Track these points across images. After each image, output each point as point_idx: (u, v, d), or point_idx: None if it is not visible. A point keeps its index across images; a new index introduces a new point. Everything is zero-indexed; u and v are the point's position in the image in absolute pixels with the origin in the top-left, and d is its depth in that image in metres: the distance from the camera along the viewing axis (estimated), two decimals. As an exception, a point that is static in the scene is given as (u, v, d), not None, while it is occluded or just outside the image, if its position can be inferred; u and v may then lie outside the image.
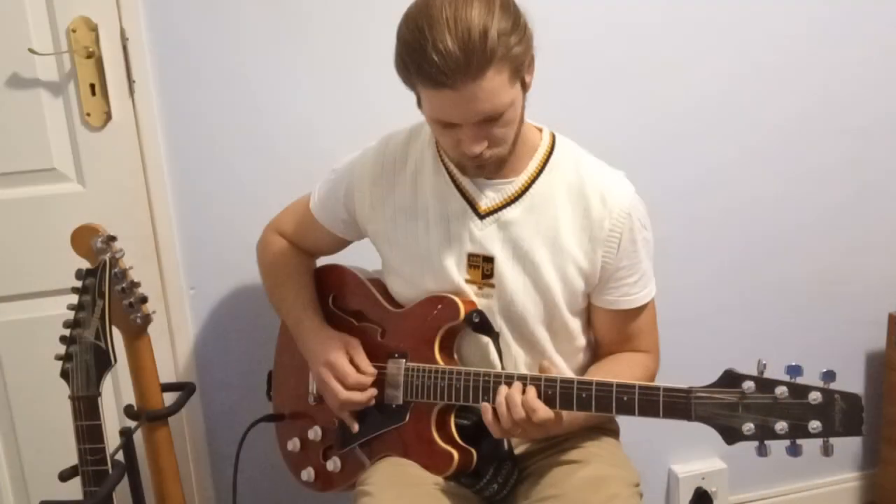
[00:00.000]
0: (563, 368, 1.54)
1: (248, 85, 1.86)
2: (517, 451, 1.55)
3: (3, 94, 1.75)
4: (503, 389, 1.37)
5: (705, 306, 2.22)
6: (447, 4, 1.26)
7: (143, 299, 1.57)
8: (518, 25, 1.30)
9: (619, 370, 1.48)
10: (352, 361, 1.54)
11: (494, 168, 1.44)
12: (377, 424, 1.55)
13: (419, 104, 1.39)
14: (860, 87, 2.18)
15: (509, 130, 1.38)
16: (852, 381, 2.38)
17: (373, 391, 1.53)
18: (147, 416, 1.61)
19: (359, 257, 1.71)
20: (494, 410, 1.37)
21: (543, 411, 1.34)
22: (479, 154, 1.37)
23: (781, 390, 1.20)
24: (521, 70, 1.33)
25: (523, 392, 1.36)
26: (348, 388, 1.52)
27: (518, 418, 1.34)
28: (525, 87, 1.38)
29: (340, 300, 1.67)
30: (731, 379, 1.23)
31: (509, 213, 1.48)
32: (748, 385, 1.21)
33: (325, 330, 1.61)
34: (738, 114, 2.13)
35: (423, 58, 1.26)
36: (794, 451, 1.21)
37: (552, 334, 1.52)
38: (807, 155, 2.19)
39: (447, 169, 1.51)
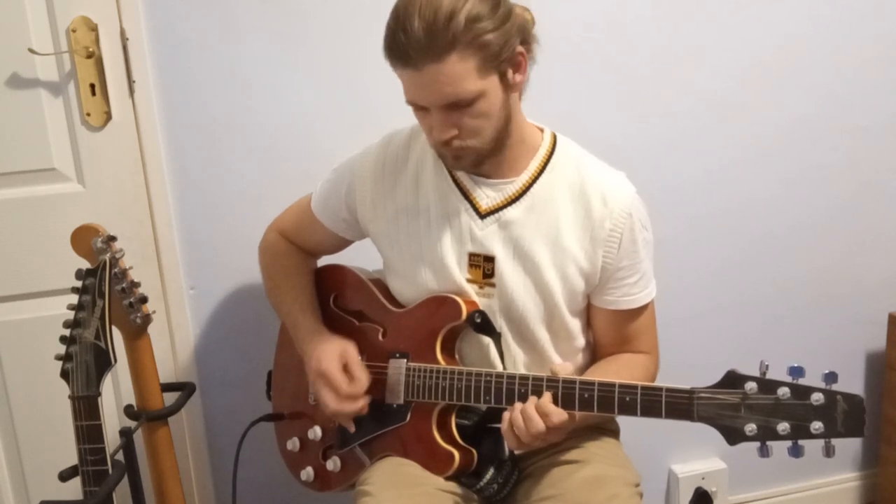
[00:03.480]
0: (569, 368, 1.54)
1: (249, 85, 1.86)
2: (517, 451, 1.55)
3: (3, 94, 1.75)
4: (518, 405, 1.36)
5: (705, 306, 2.22)
6: None
7: (143, 299, 1.56)
8: (495, 14, 1.31)
9: (619, 371, 1.48)
10: (347, 370, 1.54)
11: (472, 162, 1.43)
12: (378, 424, 1.55)
13: None
14: (860, 87, 2.18)
15: (483, 123, 1.37)
16: (852, 381, 2.38)
17: (365, 401, 1.53)
18: (147, 416, 1.61)
19: (359, 257, 1.71)
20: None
21: (558, 415, 1.33)
22: (448, 142, 1.37)
23: (783, 391, 1.20)
24: (494, 61, 1.33)
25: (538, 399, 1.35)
26: (340, 399, 1.52)
27: (537, 429, 1.33)
28: (507, 82, 1.37)
29: (342, 300, 1.67)
30: (733, 380, 1.23)
31: (510, 213, 1.47)
32: (750, 386, 1.22)
33: (323, 335, 1.60)
34: (738, 113, 2.13)
35: (393, 38, 1.30)
36: (796, 451, 1.21)
37: (552, 334, 1.52)
38: (807, 155, 2.19)
39: (438, 156, 1.50)
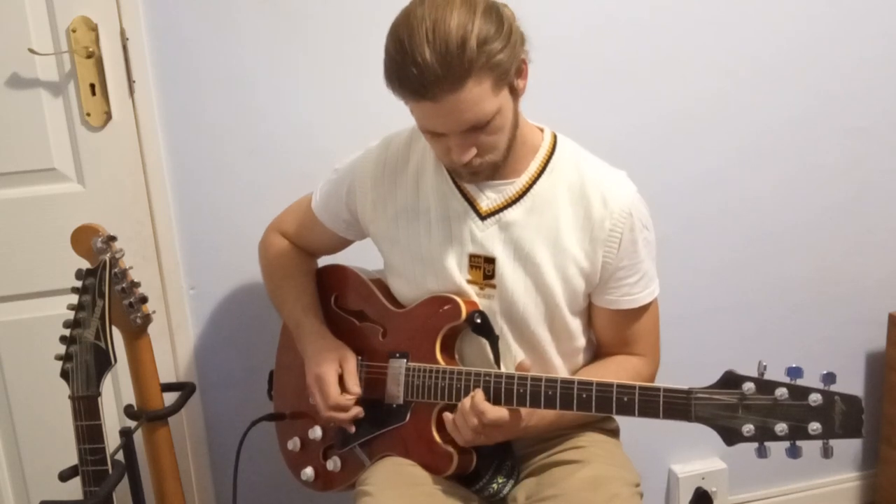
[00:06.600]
0: (560, 368, 1.54)
1: (248, 85, 1.86)
2: (517, 451, 1.55)
3: (3, 94, 1.75)
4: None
5: (705, 306, 2.22)
6: (427, 14, 1.26)
7: (143, 299, 1.57)
8: (501, 31, 1.29)
9: (606, 374, 1.46)
10: (341, 379, 1.54)
11: (488, 174, 1.44)
12: (378, 424, 1.55)
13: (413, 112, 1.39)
14: (860, 87, 2.18)
15: (499, 138, 1.38)
16: (852, 381, 2.38)
17: (356, 411, 1.53)
18: (147, 416, 1.61)
19: (360, 257, 1.71)
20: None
21: (492, 412, 1.36)
22: (469, 162, 1.37)
23: (781, 392, 1.19)
24: (506, 77, 1.32)
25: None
26: (329, 408, 1.52)
27: (472, 425, 1.36)
28: (515, 92, 1.37)
29: (342, 300, 1.68)
30: (731, 380, 1.23)
31: (510, 214, 1.47)
32: (748, 386, 1.21)
33: (325, 337, 1.60)
34: (738, 113, 2.13)
35: (403, 71, 1.26)
36: (794, 452, 1.21)
37: (553, 335, 1.52)
38: (807, 155, 2.19)
39: (448, 169, 1.51)
